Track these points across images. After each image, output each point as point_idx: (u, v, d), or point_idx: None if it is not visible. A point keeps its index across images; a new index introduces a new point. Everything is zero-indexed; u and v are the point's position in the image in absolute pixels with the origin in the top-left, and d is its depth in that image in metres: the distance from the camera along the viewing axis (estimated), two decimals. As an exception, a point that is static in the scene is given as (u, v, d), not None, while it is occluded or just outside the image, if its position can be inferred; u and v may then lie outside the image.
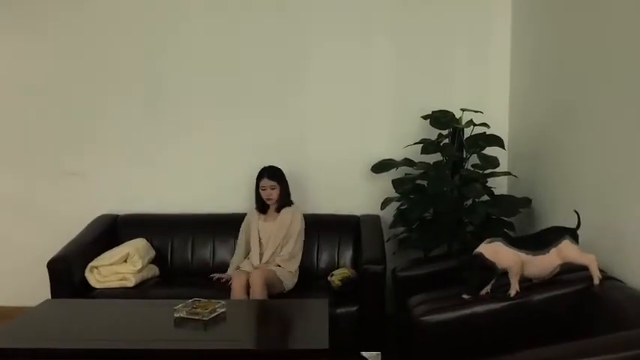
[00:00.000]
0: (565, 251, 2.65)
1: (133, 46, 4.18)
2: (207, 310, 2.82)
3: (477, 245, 3.42)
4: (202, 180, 4.21)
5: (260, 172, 3.85)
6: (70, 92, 4.22)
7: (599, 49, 2.88)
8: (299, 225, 3.82)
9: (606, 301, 2.49)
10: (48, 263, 3.53)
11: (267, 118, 4.18)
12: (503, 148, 3.65)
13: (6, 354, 2.60)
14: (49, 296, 3.45)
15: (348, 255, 3.97)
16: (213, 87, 4.17)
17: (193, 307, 2.85)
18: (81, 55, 4.19)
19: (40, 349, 2.60)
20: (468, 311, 2.66)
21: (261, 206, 3.87)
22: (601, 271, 2.74)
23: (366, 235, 3.83)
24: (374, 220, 4.01)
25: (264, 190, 3.81)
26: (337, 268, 3.83)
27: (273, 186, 3.81)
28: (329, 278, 3.67)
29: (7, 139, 4.29)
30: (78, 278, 3.62)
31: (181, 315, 2.83)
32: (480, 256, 2.67)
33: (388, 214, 3.89)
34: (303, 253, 3.83)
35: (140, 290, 3.65)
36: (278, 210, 3.85)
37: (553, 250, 2.66)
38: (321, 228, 4.00)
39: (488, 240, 2.74)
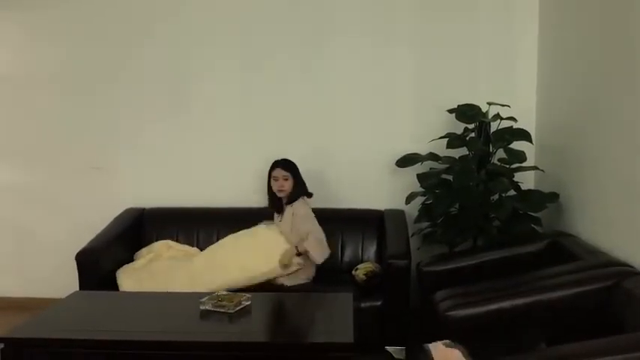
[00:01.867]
0: None
1: (157, 42, 4.22)
2: (232, 303, 2.84)
3: (503, 242, 3.43)
4: (227, 174, 4.23)
5: (273, 164, 3.79)
6: (95, 88, 4.28)
7: (627, 43, 2.83)
8: (301, 209, 3.71)
9: (634, 297, 2.45)
10: (76, 256, 3.58)
11: (292, 113, 4.18)
12: (531, 143, 3.60)
13: (36, 344, 2.66)
14: (77, 288, 3.50)
15: (372, 250, 3.97)
16: (238, 82, 4.18)
17: (219, 300, 2.87)
18: (105, 52, 4.24)
19: (69, 339, 2.65)
20: (494, 307, 2.64)
21: (275, 203, 3.82)
22: (628, 266, 2.70)
23: (390, 229, 3.81)
24: (398, 214, 3.99)
25: (276, 180, 3.75)
26: (361, 262, 3.82)
27: (286, 177, 3.75)
28: (353, 272, 3.66)
29: (34, 135, 4.37)
30: (105, 270, 3.67)
31: (207, 307, 2.85)
32: (428, 354, 2.28)
33: (413, 209, 3.86)
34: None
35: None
36: (287, 204, 3.77)
37: None
38: (345, 222, 3.99)
39: (448, 342, 2.33)
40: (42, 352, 2.65)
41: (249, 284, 3.47)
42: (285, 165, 3.77)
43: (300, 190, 3.77)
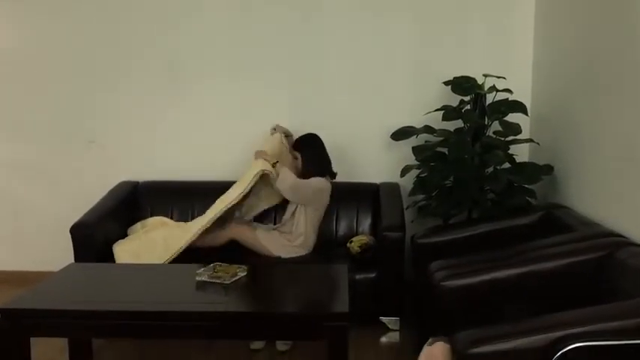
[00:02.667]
0: None
1: (152, 15, 4.17)
2: (228, 274, 2.85)
3: (497, 214, 3.45)
4: (223, 147, 4.22)
5: None
6: (90, 61, 4.24)
7: (625, 14, 2.81)
8: (314, 182, 3.65)
9: (628, 267, 2.47)
10: (71, 229, 3.58)
11: (287, 86, 4.16)
12: (526, 115, 3.60)
13: (33, 315, 2.66)
14: (72, 262, 3.49)
15: (367, 222, 3.98)
16: (232, 55, 4.16)
17: (215, 271, 2.89)
18: (101, 25, 4.20)
19: (65, 310, 2.65)
20: (488, 277, 2.66)
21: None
22: (621, 236, 2.72)
23: (385, 202, 3.82)
24: (393, 187, 4.00)
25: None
26: (356, 235, 3.84)
27: (296, 156, 3.75)
28: (348, 245, 3.68)
29: (29, 109, 4.33)
30: (100, 243, 3.66)
31: (203, 279, 2.86)
32: None
33: (408, 182, 3.86)
34: (322, 222, 3.80)
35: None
36: None
37: None
38: (340, 196, 3.97)
39: (430, 340, 2.33)
40: (39, 322, 2.65)
41: (244, 189, 3.57)
42: (295, 144, 3.75)
43: (312, 169, 3.68)
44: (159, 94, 4.23)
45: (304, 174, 3.71)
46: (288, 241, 3.67)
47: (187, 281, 2.89)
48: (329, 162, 3.80)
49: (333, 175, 3.79)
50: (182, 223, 3.94)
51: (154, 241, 3.62)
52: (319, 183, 3.68)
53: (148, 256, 3.51)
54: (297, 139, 3.78)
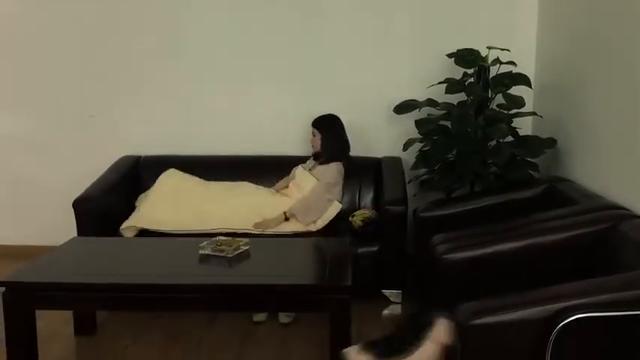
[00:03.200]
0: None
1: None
2: (231, 247, 2.86)
3: (500, 187, 3.44)
4: (225, 121, 4.20)
5: None
6: (91, 34, 4.19)
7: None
8: (329, 177, 3.69)
9: (630, 240, 2.47)
10: (74, 203, 3.57)
11: (287, 60, 4.13)
12: (530, 87, 3.57)
13: (37, 287, 2.67)
14: (72, 236, 3.48)
15: (369, 196, 3.97)
16: (236, 30, 4.12)
17: (218, 245, 2.89)
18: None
19: (69, 283, 2.67)
20: (490, 249, 2.67)
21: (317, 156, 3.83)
22: (624, 209, 2.71)
23: (387, 176, 3.82)
24: (395, 161, 4.00)
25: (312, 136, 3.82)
26: (358, 209, 3.83)
27: (314, 133, 3.79)
28: (350, 219, 3.68)
29: (30, 83, 4.30)
30: (103, 218, 3.65)
31: (206, 252, 2.87)
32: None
33: (410, 156, 3.85)
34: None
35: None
36: (322, 164, 3.76)
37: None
38: (342, 170, 3.99)
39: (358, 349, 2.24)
40: (43, 295, 2.66)
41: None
42: (315, 122, 3.79)
43: (331, 150, 3.74)
44: (160, 68, 4.19)
45: (323, 153, 3.77)
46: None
47: (191, 254, 2.90)
48: (347, 146, 3.84)
49: (349, 159, 3.82)
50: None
51: (163, 221, 3.60)
52: (336, 178, 3.71)
53: (173, 217, 3.56)
54: (317, 119, 3.81)
